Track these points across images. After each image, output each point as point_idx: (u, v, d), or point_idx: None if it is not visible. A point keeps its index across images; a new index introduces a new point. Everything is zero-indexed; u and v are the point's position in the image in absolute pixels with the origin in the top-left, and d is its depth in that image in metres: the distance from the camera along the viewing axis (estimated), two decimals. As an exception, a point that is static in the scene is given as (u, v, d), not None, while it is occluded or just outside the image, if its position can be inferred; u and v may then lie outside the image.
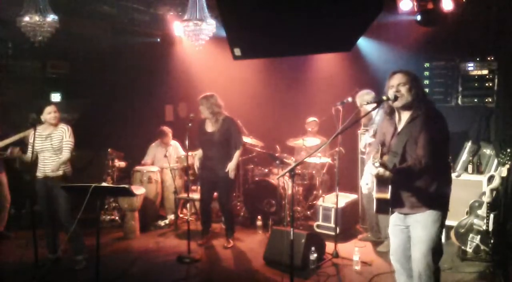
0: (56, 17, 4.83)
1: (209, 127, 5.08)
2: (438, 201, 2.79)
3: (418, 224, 2.80)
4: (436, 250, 2.80)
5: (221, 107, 5.03)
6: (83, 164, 5.29)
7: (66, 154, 4.35)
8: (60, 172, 4.34)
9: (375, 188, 2.82)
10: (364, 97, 4.79)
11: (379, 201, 2.83)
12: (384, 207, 2.85)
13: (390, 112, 2.92)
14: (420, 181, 2.76)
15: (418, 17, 5.27)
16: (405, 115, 2.85)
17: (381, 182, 2.76)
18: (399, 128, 2.87)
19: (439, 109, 2.87)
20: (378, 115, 4.78)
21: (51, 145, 4.32)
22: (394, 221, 2.99)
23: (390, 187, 2.74)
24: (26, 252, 4.50)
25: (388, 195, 2.75)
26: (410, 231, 2.88)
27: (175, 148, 6.50)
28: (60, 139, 4.34)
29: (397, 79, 2.83)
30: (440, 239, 2.83)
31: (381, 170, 2.61)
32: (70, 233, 4.10)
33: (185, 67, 7.26)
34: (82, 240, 4.48)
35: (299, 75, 6.93)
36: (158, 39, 7.17)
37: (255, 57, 5.31)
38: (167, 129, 6.48)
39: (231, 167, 5.03)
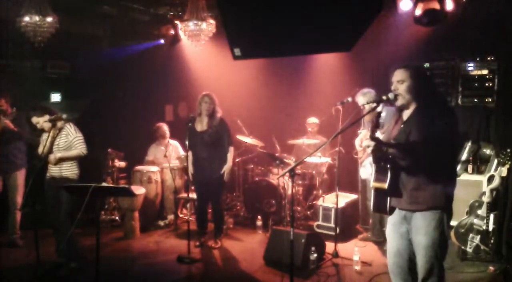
0: (56, 17, 4.83)
1: (199, 127, 5.07)
2: (440, 201, 2.66)
3: (420, 229, 2.69)
4: (441, 254, 2.70)
5: (218, 108, 5.07)
6: (83, 164, 5.28)
7: (80, 149, 4.31)
8: (66, 174, 4.30)
9: (373, 176, 2.78)
10: (366, 96, 4.77)
11: (376, 193, 2.78)
12: (382, 202, 2.78)
13: (400, 108, 2.85)
14: (420, 174, 2.66)
15: (418, 18, 5.27)
16: (411, 108, 2.78)
17: (380, 170, 2.73)
18: (404, 119, 2.81)
19: (450, 105, 2.78)
20: (383, 111, 4.76)
21: (57, 145, 4.29)
22: (393, 223, 2.88)
23: (389, 176, 2.69)
24: (28, 252, 4.50)
25: (385, 185, 2.70)
26: (411, 235, 2.76)
27: (175, 148, 6.51)
28: (65, 139, 4.31)
29: (396, 76, 2.77)
30: (444, 243, 2.69)
31: (368, 141, 2.63)
32: (66, 237, 4.05)
33: (185, 67, 7.26)
34: (77, 247, 4.38)
35: (299, 75, 6.92)
36: (158, 40, 7.17)
37: (255, 57, 5.29)
38: (162, 124, 6.53)
39: (227, 169, 5.05)
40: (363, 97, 4.79)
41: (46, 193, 4.35)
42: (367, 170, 2.96)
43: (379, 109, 2.69)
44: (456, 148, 2.77)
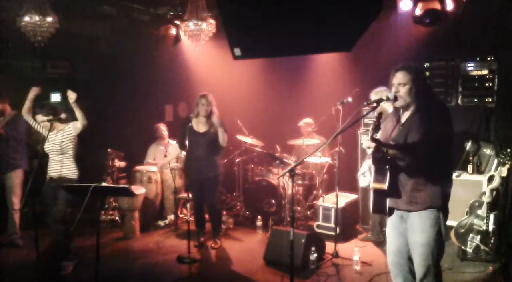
0: (56, 18, 4.82)
1: (201, 127, 5.06)
2: (437, 201, 2.68)
3: (416, 228, 2.71)
4: (437, 253, 2.70)
5: (215, 109, 5.05)
6: (83, 164, 5.31)
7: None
8: (65, 175, 4.30)
9: (373, 177, 2.78)
10: (377, 94, 4.71)
11: (376, 194, 2.79)
12: (381, 203, 2.79)
13: (398, 109, 2.87)
14: (418, 175, 2.68)
15: (418, 18, 5.27)
16: (410, 110, 2.81)
17: (379, 171, 2.72)
18: (402, 120, 2.83)
19: (446, 106, 2.80)
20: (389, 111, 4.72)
21: (53, 144, 4.31)
22: (393, 223, 2.90)
23: (388, 177, 2.69)
24: (28, 252, 4.50)
25: (385, 186, 2.70)
26: (408, 235, 2.78)
27: (175, 148, 6.51)
28: (64, 139, 4.31)
29: (398, 78, 2.78)
30: (441, 241, 2.70)
31: (368, 142, 2.60)
32: (60, 238, 4.03)
33: (185, 67, 7.26)
34: (68, 246, 4.37)
35: (299, 75, 6.93)
36: (158, 39, 7.16)
37: (255, 57, 5.30)
38: (160, 124, 6.54)
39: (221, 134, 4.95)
40: (374, 96, 4.74)
41: (45, 194, 4.35)
42: (366, 178, 2.95)
43: (389, 109, 2.68)
44: (452, 147, 2.78)
